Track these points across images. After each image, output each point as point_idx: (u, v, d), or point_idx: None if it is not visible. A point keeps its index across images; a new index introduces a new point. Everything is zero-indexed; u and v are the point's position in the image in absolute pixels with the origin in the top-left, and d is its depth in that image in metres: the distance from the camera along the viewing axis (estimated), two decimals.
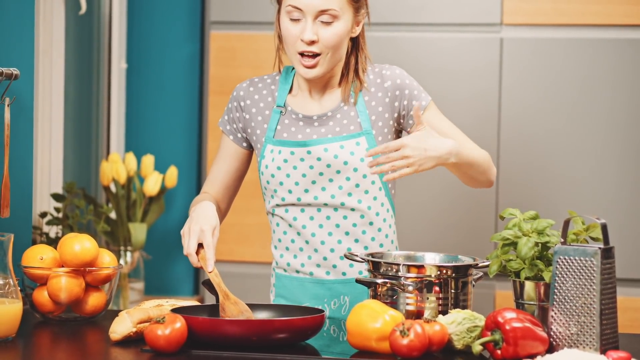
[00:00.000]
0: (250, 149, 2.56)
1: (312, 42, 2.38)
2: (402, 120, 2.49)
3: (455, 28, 3.64)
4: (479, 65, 3.61)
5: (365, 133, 2.45)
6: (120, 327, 2.10)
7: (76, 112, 3.66)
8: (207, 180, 2.58)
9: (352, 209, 2.45)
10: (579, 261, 1.96)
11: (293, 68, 2.53)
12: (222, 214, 2.58)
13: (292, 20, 2.39)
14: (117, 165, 3.62)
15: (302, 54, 2.40)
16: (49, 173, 3.36)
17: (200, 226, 2.28)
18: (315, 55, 2.39)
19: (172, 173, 3.76)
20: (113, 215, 3.70)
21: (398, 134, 2.52)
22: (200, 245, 2.28)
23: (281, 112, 2.49)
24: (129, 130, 3.99)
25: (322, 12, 2.37)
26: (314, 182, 2.45)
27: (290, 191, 2.46)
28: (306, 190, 2.45)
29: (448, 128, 2.46)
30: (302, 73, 2.42)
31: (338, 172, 2.44)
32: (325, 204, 2.45)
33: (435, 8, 3.64)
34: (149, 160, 3.74)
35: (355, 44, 2.49)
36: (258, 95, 2.53)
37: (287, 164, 2.45)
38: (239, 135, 2.54)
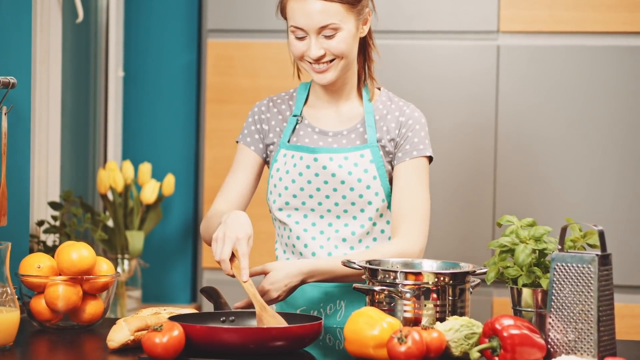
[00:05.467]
0: (266, 161, 2.59)
1: (321, 57, 2.43)
2: (392, 154, 2.52)
3: (452, 35, 3.64)
4: (476, 72, 3.61)
5: (370, 146, 2.49)
6: (118, 335, 2.10)
7: (73, 120, 3.66)
8: (221, 192, 2.56)
9: (354, 217, 2.48)
10: (576, 268, 1.96)
11: (310, 82, 2.59)
12: None
13: (298, 38, 2.45)
14: (114, 173, 3.62)
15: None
16: (46, 181, 3.35)
17: (236, 234, 2.24)
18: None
19: (170, 181, 3.76)
20: (110, 223, 3.70)
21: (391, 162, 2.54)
22: (232, 254, 2.26)
23: (297, 120, 2.54)
24: (126, 138, 3.99)
25: (323, 27, 2.41)
26: (318, 190, 2.48)
27: (294, 195, 2.49)
28: (310, 196, 2.49)
29: (412, 189, 2.47)
30: (317, 80, 2.48)
31: (342, 182, 2.47)
32: (329, 211, 2.48)
33: (432, 16, 3.64)
34: (146, 168, 3.73)
35: (362, 44, 2.55)
36: (277, 109, 2.58)
37: (295, 169, 2.49)
38: (260, 145, 2.58)
